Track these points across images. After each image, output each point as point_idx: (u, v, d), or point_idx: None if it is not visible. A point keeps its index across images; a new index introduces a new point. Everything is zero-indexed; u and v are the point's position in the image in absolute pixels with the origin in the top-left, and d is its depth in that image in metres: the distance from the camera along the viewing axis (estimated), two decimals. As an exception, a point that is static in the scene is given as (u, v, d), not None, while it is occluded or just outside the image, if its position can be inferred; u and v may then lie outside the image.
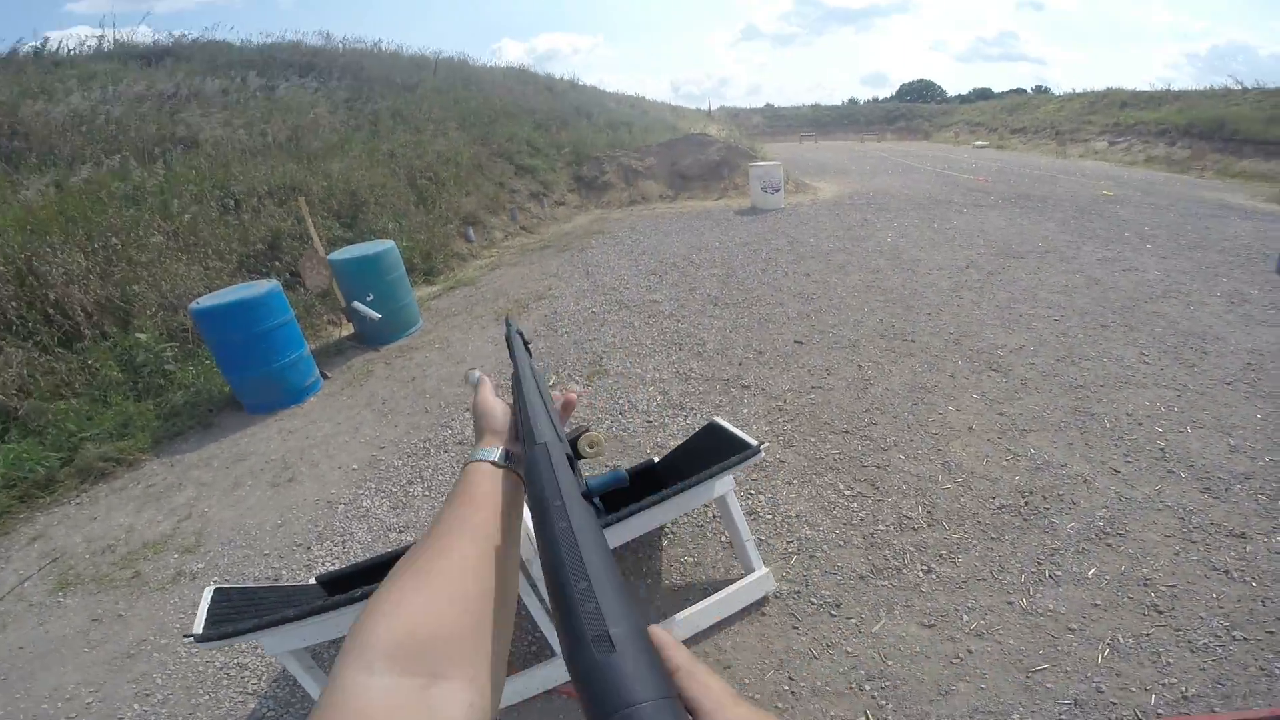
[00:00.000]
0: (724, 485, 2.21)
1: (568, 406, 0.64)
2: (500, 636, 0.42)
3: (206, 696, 2.26)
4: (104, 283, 5.08)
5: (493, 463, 0.54)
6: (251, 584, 2.64)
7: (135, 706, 2.24)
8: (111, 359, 4.60)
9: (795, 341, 4.59)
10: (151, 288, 5.17)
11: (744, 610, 2.30)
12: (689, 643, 2.19)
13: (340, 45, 13.96)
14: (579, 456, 0.51)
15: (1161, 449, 2.99)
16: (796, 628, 2.22)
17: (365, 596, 1.67)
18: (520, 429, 0.55)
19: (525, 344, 0.78)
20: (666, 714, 0.25)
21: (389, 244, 5.64)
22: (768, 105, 45.72)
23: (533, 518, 0.40)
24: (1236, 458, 2.88)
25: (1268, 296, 4.85)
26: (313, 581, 2.29)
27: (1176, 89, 20.79)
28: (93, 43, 11.21)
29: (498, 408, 0.63)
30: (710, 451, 2.23)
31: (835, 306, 5.26)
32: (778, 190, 10.06)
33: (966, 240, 7.24)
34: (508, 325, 0.84)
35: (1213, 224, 7.58)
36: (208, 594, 1.83)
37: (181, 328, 4.96)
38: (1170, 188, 11.19)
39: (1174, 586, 2.22)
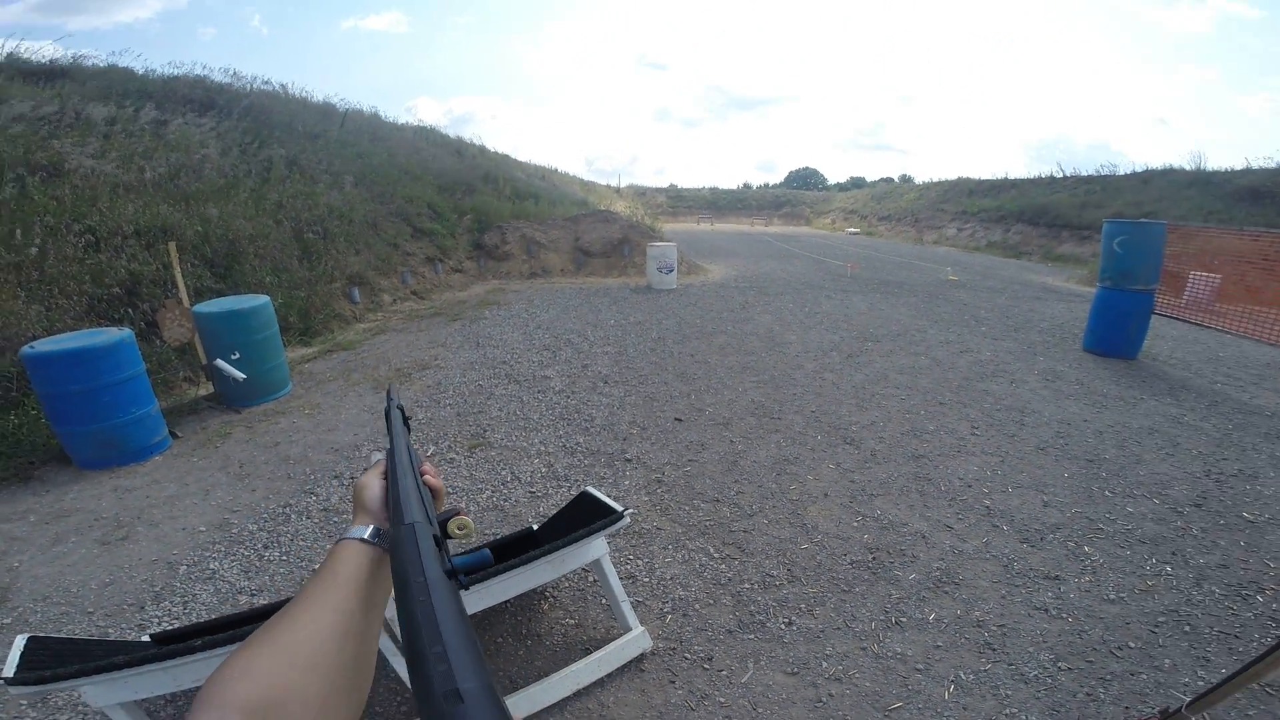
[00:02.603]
0: (597, 549, 2.31)
1: (437, 494, 0.67)
2: (352, 705, 0.46)
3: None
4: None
5: (361, 540, 0.56)
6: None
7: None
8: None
9: (676, 419, 4.80)
10: (-27, 326, 4.52)
11: (623, 667, 2.33)
12: (570, 700, 2.19)
13: (248, 85, 13.22)
14: (447, 537, 0.55)
15: (987, 506, 3.44)
16: (673, 682, 2.27)
17: (207, 648, 1.54)
18: (390, 507, 0.57)
19: (405, 420, 0.79)
20: None
21: (263, 299, 5.25)
22: (671, 185, 48.05)
23: (395, 592, 0.42)
24: (1049, 511, 3.37)
25: (1074, 372, 5.84)
26: (146, 638, 2.05)
27: (1013, 177, 23.98)
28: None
29: (373, 486, 0.65)
30: (583, 519, 2.36)
31: (713, 387, 5.54)
32: (671, 270, 10.63)
33: (832, 325, 8.02)
34: (389, 399, 0.84)
35: (1035, 305, 9.14)
36: (20, 641, 1.61)
37: (5, 372, 4.35)
38: (1005, 271, 13.33)
39: (1003, 625, 2.51)
